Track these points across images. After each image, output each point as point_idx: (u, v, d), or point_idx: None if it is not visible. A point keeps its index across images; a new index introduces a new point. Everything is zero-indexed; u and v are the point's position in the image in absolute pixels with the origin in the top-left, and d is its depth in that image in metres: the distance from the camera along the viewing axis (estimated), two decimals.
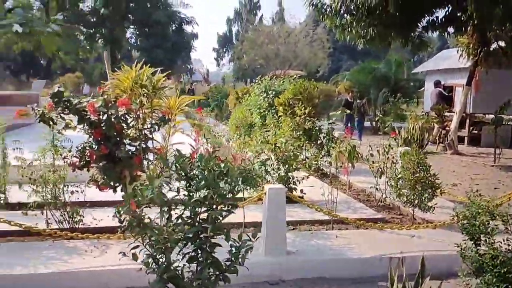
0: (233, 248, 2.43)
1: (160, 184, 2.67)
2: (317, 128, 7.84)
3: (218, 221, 2.43)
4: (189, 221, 2.40)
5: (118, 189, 4.20)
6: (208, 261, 2.37)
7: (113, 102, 3.87)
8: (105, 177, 4.14)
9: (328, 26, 11.37)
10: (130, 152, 4.16)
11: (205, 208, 2.41)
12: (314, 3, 10.66)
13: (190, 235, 2.36)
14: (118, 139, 4.06)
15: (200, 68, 51.32)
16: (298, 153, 5.83)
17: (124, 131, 4.09)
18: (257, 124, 10.22)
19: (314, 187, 6.59)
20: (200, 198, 2.33)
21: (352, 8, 10.14)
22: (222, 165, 2.46)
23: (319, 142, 7.75)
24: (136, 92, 4.18)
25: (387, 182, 5.68)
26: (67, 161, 4.22)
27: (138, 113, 4.20)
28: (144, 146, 4.30)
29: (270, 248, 3.92)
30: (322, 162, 7.59)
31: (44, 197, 4.30)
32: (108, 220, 4.31)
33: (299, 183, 5.80)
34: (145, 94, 4.19)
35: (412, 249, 4.18)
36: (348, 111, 14.32)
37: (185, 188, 2.49)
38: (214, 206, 2.39)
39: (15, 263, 3.64)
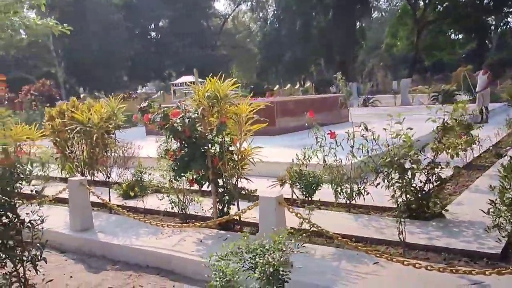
0: None
1: None
2: None
3: None
4: None
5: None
6: None
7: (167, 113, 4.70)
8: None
9: None
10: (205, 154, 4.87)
11: None
12: None
13: None
14: (190, 142, 4.84)
15: None
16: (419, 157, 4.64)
17: (196, 136, 4.82)
18: None
19: None
20: None
21: None
22: None
23: None
24: (203, 102, 4.81)
25: None
26: None
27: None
28: (219, 149, 4.89)
29: None
30: None
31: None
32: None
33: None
34: (210, 103, 4.76)
35: None
36: None
37: None
38: None
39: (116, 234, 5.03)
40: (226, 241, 4.55)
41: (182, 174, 4.89)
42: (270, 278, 2.17)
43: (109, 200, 6.17)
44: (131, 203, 6.15)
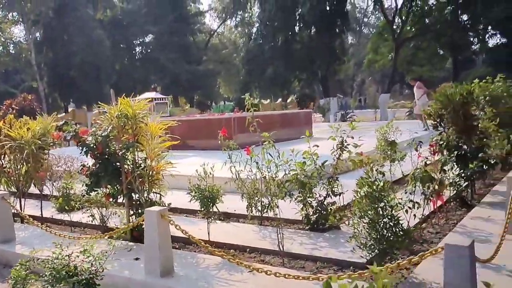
0: None
1: None
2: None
3: None
4: None
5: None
6: None
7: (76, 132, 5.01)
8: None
9: None
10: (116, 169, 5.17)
11: None
12: None
13: None
14: (103, 158, 5.15)
15: None
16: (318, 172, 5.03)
17: (109, 152, 5.13)
18: None
19: None
20: None
21: None
22: None
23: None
24: (114, 120, 5.12)
25: None
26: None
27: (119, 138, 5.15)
28: (130, 165, 5.20)
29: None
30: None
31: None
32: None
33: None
34: (121, 122, 5.07)
35: None
36: None
37: None
38: None
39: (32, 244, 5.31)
40: (129, 252, 4.87)
41: (94, 189, 5.18)
42: (55, 283, 2.47)
43: (41, 214, 6.45)
44: (59, 216, 6.42)
